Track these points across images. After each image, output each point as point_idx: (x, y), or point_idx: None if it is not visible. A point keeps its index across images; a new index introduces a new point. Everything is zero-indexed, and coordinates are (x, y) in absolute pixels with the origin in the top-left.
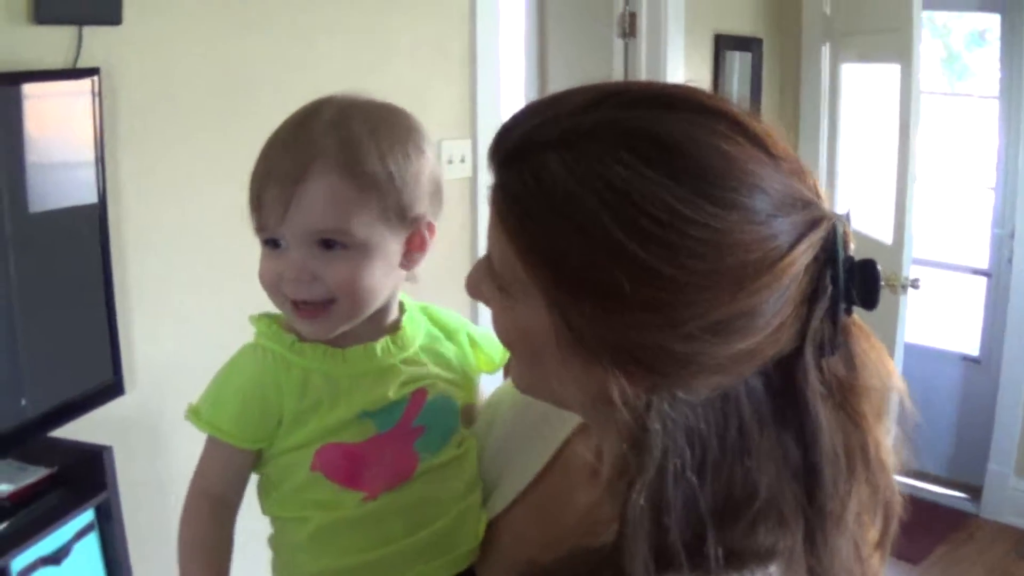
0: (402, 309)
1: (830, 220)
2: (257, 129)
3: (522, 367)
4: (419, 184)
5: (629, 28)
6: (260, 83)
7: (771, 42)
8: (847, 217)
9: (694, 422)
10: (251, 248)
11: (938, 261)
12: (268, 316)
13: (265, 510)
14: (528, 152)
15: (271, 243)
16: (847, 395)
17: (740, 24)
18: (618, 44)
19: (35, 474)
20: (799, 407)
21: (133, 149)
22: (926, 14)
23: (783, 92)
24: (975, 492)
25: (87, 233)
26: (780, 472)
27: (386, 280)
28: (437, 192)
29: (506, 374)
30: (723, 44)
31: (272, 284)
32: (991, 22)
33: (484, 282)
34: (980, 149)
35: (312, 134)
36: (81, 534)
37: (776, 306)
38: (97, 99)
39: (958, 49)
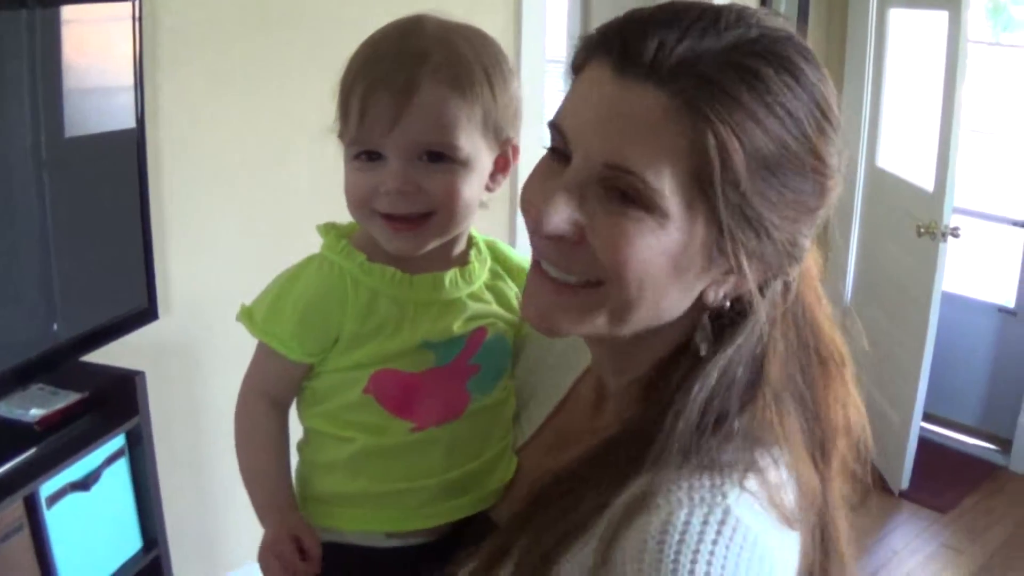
0: (470, 242)
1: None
2: (298, 52)
3: (627, 298)
4: (511, 106)
5: None
6: (302, 8)
7: None
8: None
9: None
10: (290, 174)
11: (978, 211)
12: (336, 228)
13: (305, 420)
14: (709, 55)
15: (368, 155)
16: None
17: None
18: None
19: (66, 399)
20: (798, 296)
21: (173, 74)
22: None
23: (829, 34)
24: (1006, 444)
25: (125, 158)
26: (790, 353)
27: (478, 197)
28: (520, 116)
29: None
30: None
31: (364, 198)
32: None
33: (596, 211)
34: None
35: (421, 46)
36: (111, 460)
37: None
38: (137, 23)
39: (1004, 1)
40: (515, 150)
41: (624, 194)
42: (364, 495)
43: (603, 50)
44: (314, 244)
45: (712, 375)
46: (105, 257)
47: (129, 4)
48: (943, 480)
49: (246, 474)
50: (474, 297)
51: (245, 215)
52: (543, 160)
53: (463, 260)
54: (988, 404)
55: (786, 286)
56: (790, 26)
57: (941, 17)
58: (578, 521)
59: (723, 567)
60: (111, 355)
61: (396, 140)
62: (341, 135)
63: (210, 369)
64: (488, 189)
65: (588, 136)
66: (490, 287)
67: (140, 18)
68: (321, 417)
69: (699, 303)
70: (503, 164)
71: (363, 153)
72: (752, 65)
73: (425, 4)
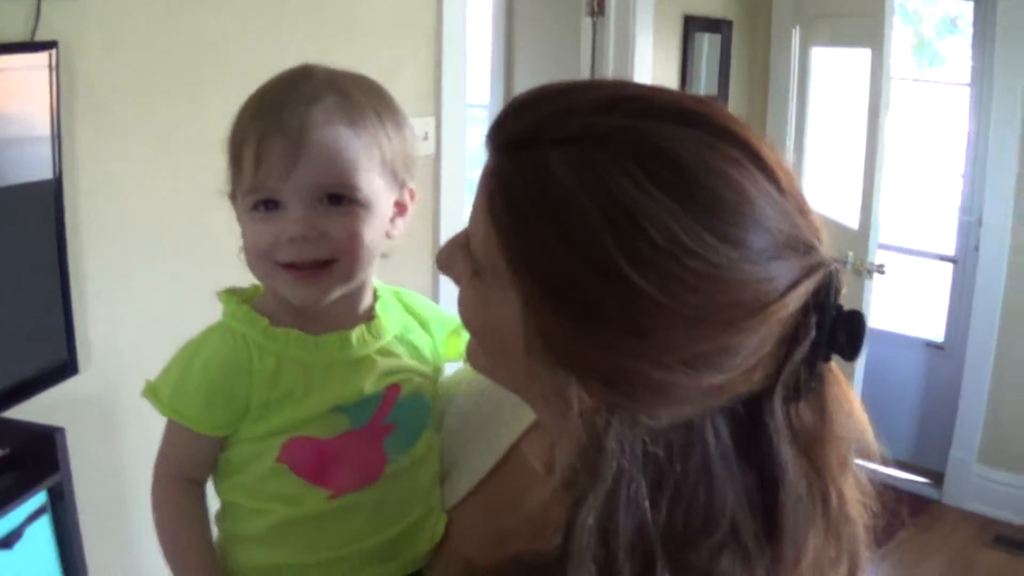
0: (375, 295)
1: (827, 267)
2: (217, 105)
3: (481, 350)
4: (406, 147)
5: (598, 7)
6: (221, 58)
7: (741, 24)
8: (842, 264)
9: (652, 448)
10: (208, 227)
11: (904, 247)
12: (236, 294)
13: (221, 493)
14: (532, 143)
15: (265, 205)
16: (813, 443)
17: (710, 6)
18: (586, 23)
19: None
20: (763, 448)
21: (90, 124)
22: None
23: (752, 75)
24: (937, 478)
25: (43, 210)
26: (742, 506)
27: (379, 242)
28: (415, 161)
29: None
30: (692, 25)
31: (265, 250)
32: (963, 9)
33: (459, 261)
34: (949, 136)
35: (312, 90)
36: (33, 517)
37: (756, 346)
38: (55, 72)
39: (929, 36)
40: (411, 193)
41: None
42: (286, 567)
43: None
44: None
45: (587, 520)
46: (23, 310)
47: (46, 54)
48: (876, 515)
49: (173, 559)
50: (384, 352)
51: (164, 268)
52: None
53: (369, 315)
54: (919, 438)
55: (633, 428)
56: (684, 123)
57: (864, 55)
58: None
59: None
60: (28, 411)
61: (294, 184)
62: (233, 190)
63: (130, 423)
64: (388, 235)
65: None
66: (401, 339)
67: (58, 67)
68: (236, 489)
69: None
70: (402, 208)
71: (260, 203)
72: (554, 171)
73: (344, 55)
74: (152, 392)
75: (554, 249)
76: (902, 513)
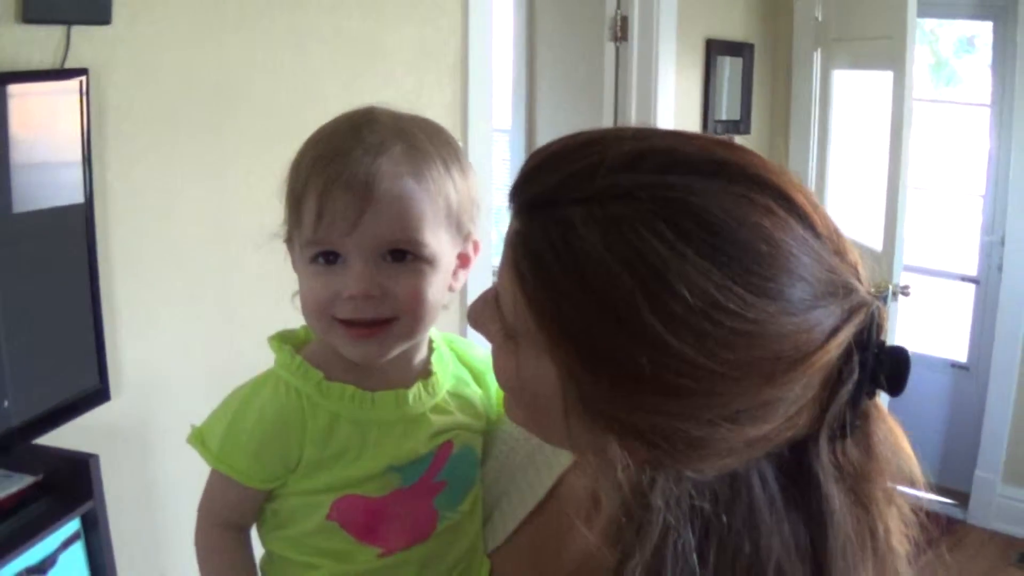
0: (430, 346)
1: (868, 307)
2: (245, 132)
3: (519, 408)
4: (471, 198)
5: (621, 32)
6: (249, 85)
7: (762, 47)
8: (883, 301)
9: (699, 501)
10: (238, 252)
11: (927, 268)
12: (287, 341)
13: (267, 544)
14: (556, 204)
15: (326, 257)
16: (859, 479)
17: (732, 29)
18: (609, 48)
19: (20, 482)
20: (811, 490)
21: (120, 150)
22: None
23: (774, 98)
24: (963, 498)
25: (73, 234)
26: (789, 553)
27: (442, 298)
28: (479, 209)
29: None
30: (715, 49)
31: (324, 305)
32: (980, 29)
33: (490, 319)
34: (970, 156)
35: (377, 139)
36: (67, 543)
37: (800, 393)
38: (85, 99)
39: (946, 55)
40: (476, 245)
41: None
42: None
43: None
44: (259, 328)
45: (639, 564)
46: (55, 336)
47: (77, 81)
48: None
49: None
50: (438, 410)
51: (195, 293)
52: None
53: (425, 369)
54: (944, 459)
55: (678, 483)
56: (697, 183)
57: (885, 77)
58: None
59: None
60: (63, 436)
61: (358, 240)
62: (290, 238)
63: (162, 449)
64: (451, 288)
65: None
66: (454, 394)
67: (88, 94)
68: (283, 541)
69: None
70: (465, 260)
71: (320, 255)
72: (581, 234)
73: (370, 83)
74: (199, 440)
75: (585, 313)
76: (933, 533)
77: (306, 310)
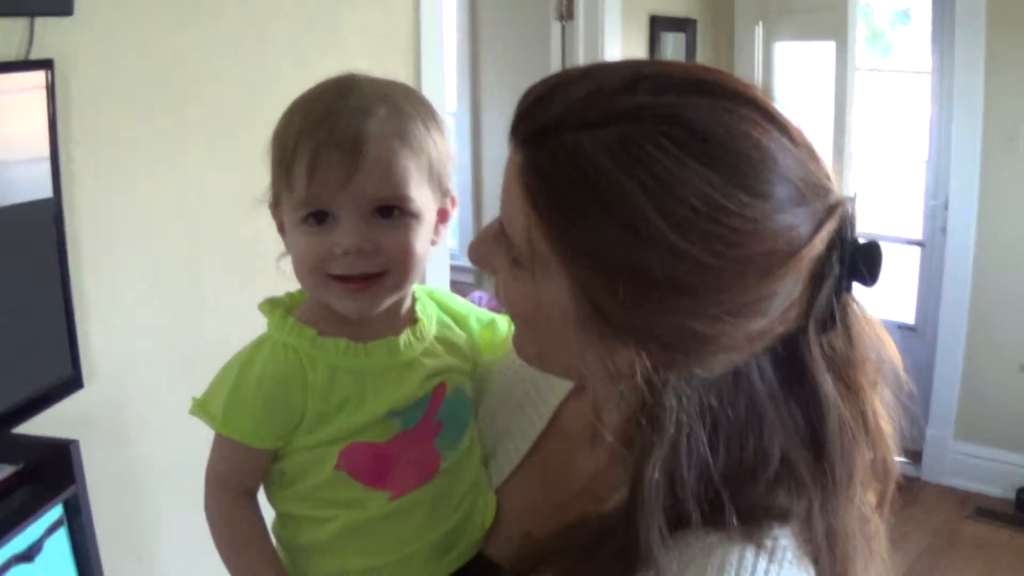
0: (413, 297)
1: (843, 205)
2: (207, 118)
3: (529, 338)
4: (449, 156)
5: (567, 11)
6: (210, 72)
7: (705, 22)
8: (854, 199)
9: (707, 398)
10: (204, 238)
11: (874, 233)
12: (278, 306)
13: (277, 506)
14: (561, 130)
15: (317, 217)
16: (845, 367)
17: (675, 5)
18: (555, 27)
19: (1, 472)
20: (805, 380)
21: (86, 141)
22: None
23: (717, 65)
24: (916, 456)
25: (43, 228)
26: (791, 439)
27: (427, 251)
28: (455, 167)
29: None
30: (658, 25)
31: (317, 263)
32: (914, 1)
33: (495, 253)
34: (912, 123)
35: (363, 102)
36: (51, 530)
37: (791, 288)
38: (50, 91)
39: (882, 28)
40: (453, 200)
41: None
42: (356, 573)
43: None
44: (227, 312)
45: (653, 475)
46: (28, 328)
47: (42, 73)
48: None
49: (240, 573)
50: (428, 354)
51: (161, 280)
52: None
53: (411, 317)
54: (895, 419)
55: (689, 381)
56: (702, 94)
57: (828, 47)
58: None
59: None
60: (35, 427)
61: (349, 198)
62: (276, 200)
63: (136, 435)
64: (432, 242)
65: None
66: (440, 339)
67: (53, 86)
68: (294, 500)
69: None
70: (444, 215)
71: (311, 216)
72: (591, 155)
73: (327, 68)
74: (202, 408)
75: (601, 226)
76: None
77: (300, 269)
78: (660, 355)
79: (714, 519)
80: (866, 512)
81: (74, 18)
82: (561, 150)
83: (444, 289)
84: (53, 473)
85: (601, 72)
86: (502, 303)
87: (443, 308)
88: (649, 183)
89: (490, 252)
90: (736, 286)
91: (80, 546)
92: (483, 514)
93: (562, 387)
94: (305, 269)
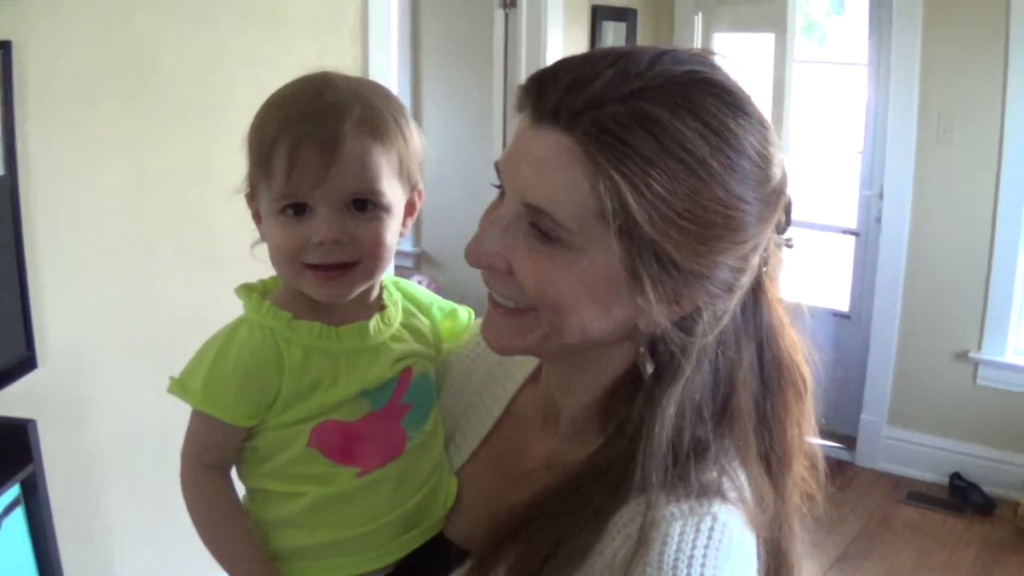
0: (381, 285)
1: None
2: (159, 101)
3: (536, 324)
4: (418, 151)
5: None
6: (160, 56)
7: (645, 12)
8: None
9: (714, 336)
10: (157, 220)
11: (809, 222)
12: (253, 291)
13: (248, 481)
14: (609, 102)
15: (294, 209)
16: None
17: None
18: (499, 15)
19: None
20: (761, 320)
21: (41, 122)
22: None
23: None
24: (850, 442)
25: None
26: (755, 377)
27: (396, 242)
28: (424, 162)
29: None
30: (600, 15)
31: (294, 252)
32: None
33: (513, 240)
34: (847, 114)
35: (340, 100)
36: (8, 510)
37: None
38: (7, 71)
39: (817, 18)
40: (420, 194)
41: (542, 230)
42: (323, 546)
43: (527, 96)
44: (177, 295)
45: (668, 409)
46: None
47: None
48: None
49: (215, 544)
50: (396, 339)
51: (113, 262)
52: (496, 198)
53: (379, 305)
54: (830, 405)
55: (715, 317)
56: (710, 66)
57: (767, 39)
58: (568, 551)
59: (715, 567)
60: None
61: (326, 191)
62: (253, 191)
63: (90, 415)
64: (400, 234)
65: (512, 176)
66: (406, 326)
67: (10, 67)
68: (266, 476)
69: (636, 330)
70: (411, 208)
71: (289, 207)
72: (650, 111)
73: (273, 50)
74: (180, 387)
75: (674, 175)
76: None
77: (277, 257)
78: (702, 296)
79: (702, 453)
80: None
81: (29, 1)
82: (624, 115)
83: (407, 280)
84: (10, 452)
85: (615, 54)
86: (510, 290)
87: (407, 297)
88: (707, 134)
89: (506, 242)
90: (766, 222)
91: (37, 525)
92: (446, 493)
93: (519, 374)
94: (282, 257)
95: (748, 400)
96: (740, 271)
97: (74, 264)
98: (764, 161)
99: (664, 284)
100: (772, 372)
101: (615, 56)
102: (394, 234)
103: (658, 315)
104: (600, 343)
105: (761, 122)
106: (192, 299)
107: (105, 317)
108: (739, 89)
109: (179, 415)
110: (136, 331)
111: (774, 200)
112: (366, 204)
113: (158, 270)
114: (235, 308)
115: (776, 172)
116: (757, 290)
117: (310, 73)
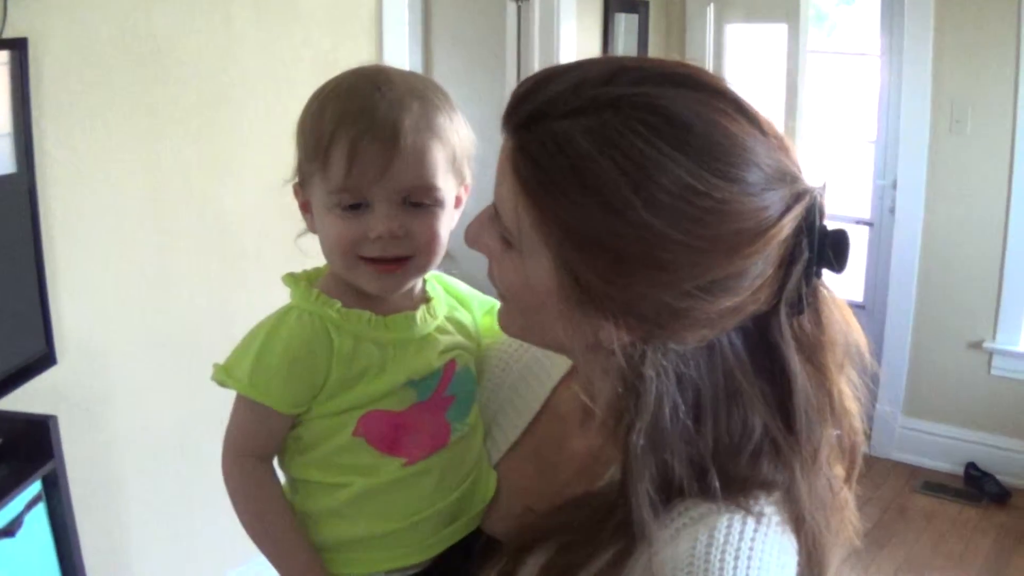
0: (424, 278)
1: (811, 193)
2: (176, 98)
3: (515, 314)
4: (468, 146)
5: None
6: (177, 52)
7: (658, 4)
8: (823, 189)
9: (684, 369)
10: (173, 215)
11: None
12: (302, 278)
13: (292, 471)
14: (549, 118)
15: (350, 205)
16: (814, 349)
17: None
18: (512, 8)
19: None
20: (775, 357)
21: (58, 119)
22: None
23: (669, 52)
24: (865, 432)
25: (15, 204)
26: (770, 414)
27: (448, 236)
28: (472, 155)
29: None
30: (612, 7)
31: (350, 245)
32: None
33: (487, 233)
34: (860, 104)
35: (397, 95)
36: (31, 505)
37: (761, 268)
38: (24, 68)
39: (827, 9)
40: (466, 187)
41: (500, 229)
42: (367, 538)
43: None
44: (194, 290)
45: (639, 442)
46: (1, 305)
47: (7, 52)
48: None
49: (260, 534)
50: (441, 330)
51: (130, 258)
52: None
53: (423, 297)
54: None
55: (668, 348)
56: (672, 86)
57: (779, 30)
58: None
59: (761, 561)
60: (9, 403)
61: (384, 186)
62: (302, 182)
63: (110, 410)
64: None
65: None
66: (450, 319)
67: (27, 63)
68: (311, 465)
69: (600, 344)
70: (458, 201)
71: (346, 202)
72: (572, 137)
73: (288, 43)
74: (226, 373)
75: (581, 205)
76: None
77: (332, 249)
78: (637, 328)
79: (704, 490)
80: (835, 484)
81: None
82: (547, 135)
83: (448, 276)
84: (31, 449)
85: (586, 66)
86: (493, 281)
87: (449, 291)
88: (625, 165)
89: (483, 233)
90: (705, 263)
91: (59, 520)
92: (485, 487)
93: (557, 370)
94: (338, 250)
95: (776, 434)
96: (690, 310)
97: (92, 260)
98: (694, 194)
99: (588, 304)
100: (794, 415)
101: (582, 68)
102: (447, 228)
103: (603, 334)
104: (583, 347)
105: (705, 154)
106: (209, 293)
107: (123, 312)
108: (687, 119)
109: (197, 410)
110: (154, 326)
111: (743, 240)
112: (422, 199)
113: (175, 265)
114: (253, 302)
115: (738, 209)
116: (768, 330)
117: (362, 66)
